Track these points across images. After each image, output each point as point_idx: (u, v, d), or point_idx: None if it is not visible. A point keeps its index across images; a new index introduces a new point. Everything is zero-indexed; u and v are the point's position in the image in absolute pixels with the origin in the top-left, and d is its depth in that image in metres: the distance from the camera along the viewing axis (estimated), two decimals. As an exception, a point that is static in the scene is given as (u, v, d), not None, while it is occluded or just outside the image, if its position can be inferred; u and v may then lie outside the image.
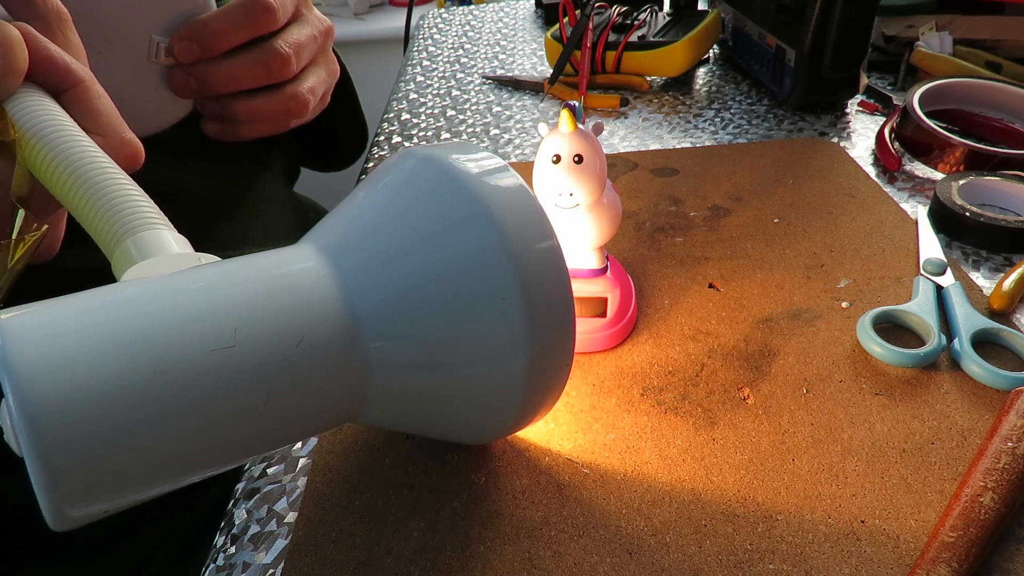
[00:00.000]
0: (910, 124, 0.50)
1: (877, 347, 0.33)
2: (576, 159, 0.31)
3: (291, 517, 0.29)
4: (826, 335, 0.35)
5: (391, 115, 0.68)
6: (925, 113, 0.49)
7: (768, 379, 0.33)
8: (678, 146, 0.56)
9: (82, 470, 0.18)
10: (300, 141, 0.63)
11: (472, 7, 1.02)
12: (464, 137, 0.62)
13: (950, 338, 0.34)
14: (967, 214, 0.40)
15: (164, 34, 0.38)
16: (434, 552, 0.27)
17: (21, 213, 0.25)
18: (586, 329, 0.35)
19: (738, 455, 0.30)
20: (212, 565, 0.28)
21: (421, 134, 0.63)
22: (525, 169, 0.54)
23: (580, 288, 0.36)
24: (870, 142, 0.54)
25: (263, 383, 0.21)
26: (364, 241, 0.24)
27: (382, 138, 0.64)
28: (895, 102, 0.58)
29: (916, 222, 0.43)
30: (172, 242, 0.24)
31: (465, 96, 0.71)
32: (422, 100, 0.71)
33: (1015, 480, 0.26)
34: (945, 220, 0.42)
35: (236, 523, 0.30)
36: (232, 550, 0.29)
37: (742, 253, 0.42)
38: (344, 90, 0.56)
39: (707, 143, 0.56)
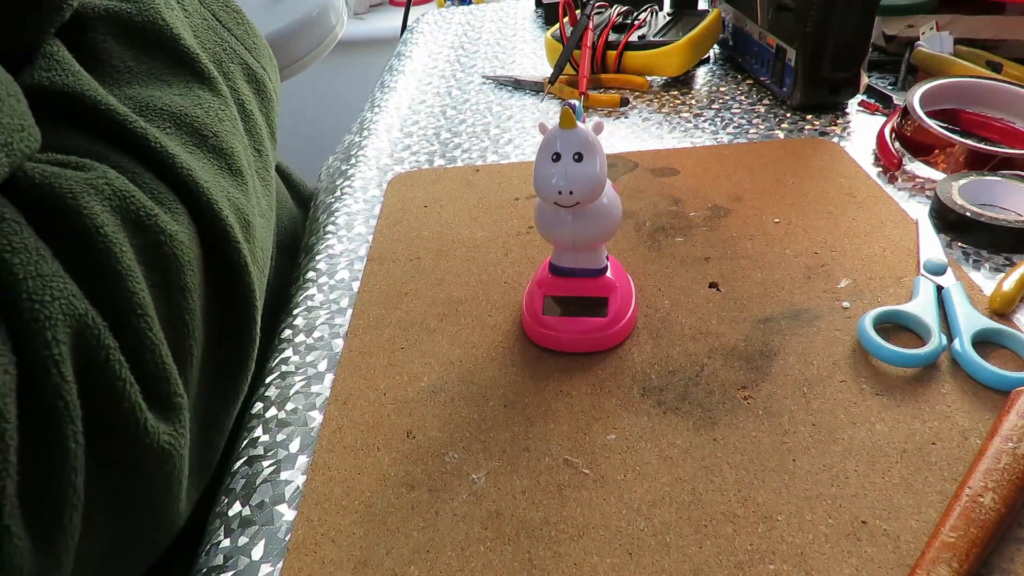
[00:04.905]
0: (910, 124, 0.50)
1: (877, 347, 0.33)
2: (576, 157, 0.31)
3: (290, 516, 0.29)
4: (826, 335, 0.35)
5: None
6: (925, 113, 0.49)
7: (768, 379, 0.33)
8: (678, 146, 0.56)
9: None
10: None
11: (472, 7, 1.02)
12: (464, 137, 0.62)
13: (950, 338, 0.34)
14: (967, 214, 0.40)
15: None
16: (434, 552, 0.27)
17: None
18: (586, 329, 0.35)
19: (738, 455, 0.29)
20: (210, 564, 0.28)
21: (420, 132, 0.63)
22: (525, 168, 0.54)
23: (580, 288, 0.36)
24: (870, 142, 0.54)
25: None
26: None
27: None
28: (895, 102, 0.58)
29: (916, 222, 0.43)
30: None
31: (465, 96, 0.71)
32: (422, 98, 0.71)
33: (1016, 480, 0.26)
34: (945, 220, 0.42)
35: (235, 522, 0.30)
36: (230, 549, 0.29)
37: (742, 253, 0.42)
38: None
39: (707, 143, 0.56)
